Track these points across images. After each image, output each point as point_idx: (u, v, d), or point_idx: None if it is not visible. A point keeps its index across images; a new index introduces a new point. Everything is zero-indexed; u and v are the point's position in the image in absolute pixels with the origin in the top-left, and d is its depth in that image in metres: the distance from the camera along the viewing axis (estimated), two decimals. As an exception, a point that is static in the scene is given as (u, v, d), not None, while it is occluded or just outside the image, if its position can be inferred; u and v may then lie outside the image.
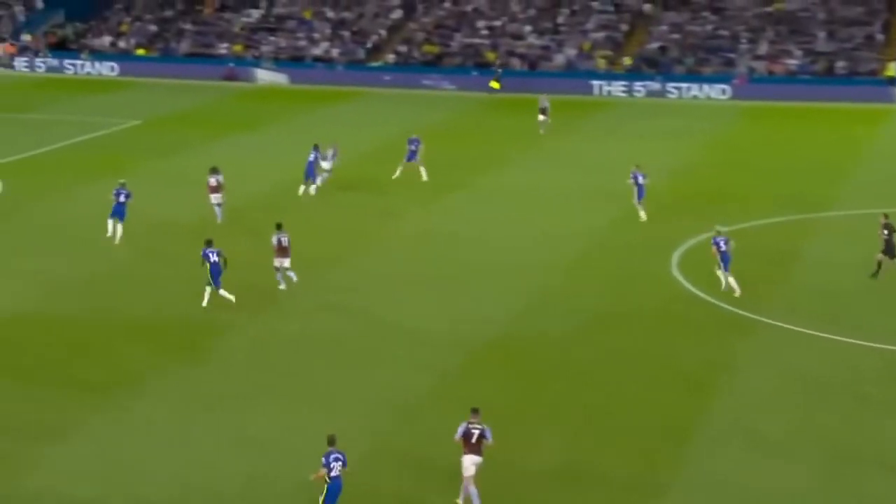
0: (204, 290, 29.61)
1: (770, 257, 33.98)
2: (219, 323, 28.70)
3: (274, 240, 31.33)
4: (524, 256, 34.39)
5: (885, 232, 31.76)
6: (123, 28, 78.64)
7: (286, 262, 31.27)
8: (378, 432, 22.99)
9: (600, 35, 71.38)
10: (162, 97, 65.47)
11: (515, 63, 70.02)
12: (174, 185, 41.48)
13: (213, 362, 26.42)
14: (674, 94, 66.08)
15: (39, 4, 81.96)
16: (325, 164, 42.10)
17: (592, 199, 40.46)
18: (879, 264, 31.80)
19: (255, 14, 78.65)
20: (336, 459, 19.42)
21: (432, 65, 70.87)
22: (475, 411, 20.55)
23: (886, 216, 32.24)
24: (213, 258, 30.13)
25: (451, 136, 53.52)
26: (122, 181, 36.56)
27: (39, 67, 75.16)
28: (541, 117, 52.58)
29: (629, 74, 67.68)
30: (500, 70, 68.15)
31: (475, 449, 20.21)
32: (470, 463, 20.17)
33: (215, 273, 29.85)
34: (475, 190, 43.01)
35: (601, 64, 68.41)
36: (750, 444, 22.70)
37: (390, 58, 71.96)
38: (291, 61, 73.12)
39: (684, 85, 66.14)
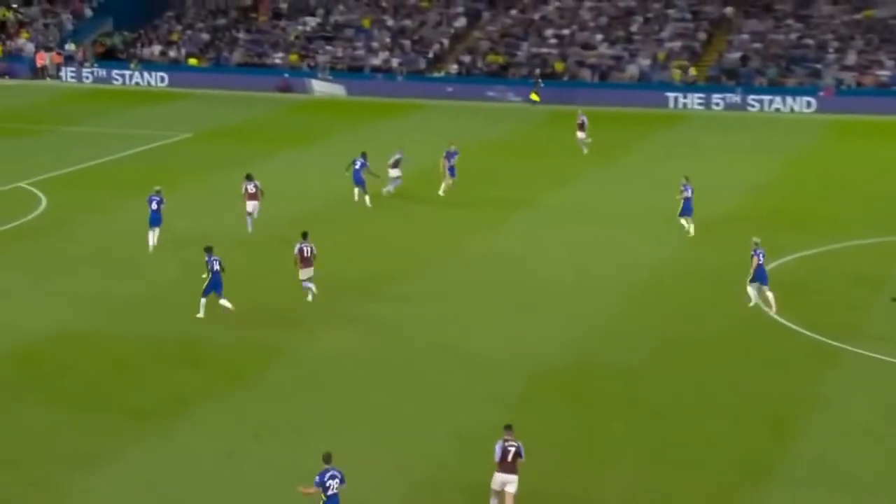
0: (199, 301, 30.46)
1: (858, 281, 33.49)
2: (269, 346, 28.84)
3: (296, 249, 31.88)
4: (591, 279, 34.22)
5: None
6: (174, 37, 79.64)
7: (310, 273, 31.78)
8: (435, 461, 22.92)
9: (676, 44, 71.05)
10: (213, 109, 66.18)
11: (585, 74, 69.87)
12: (226, 202, 41.84)
13: (262, 388, 26.51)
14: (755, 108, 65.56)
15: (87, 13, 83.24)
16: (394, 172, 43.19)
17: (665, 218, 40.11)
18: None
19: (312, 22, 79.27)
20: (332, 477, 19.60)
21: (497, 76, 70.96)
22: (508, 428, 20.75)
23: None
24: (216, 267, 30.72)
25: (516, 151, 53.54)
26: (157, 188, 37.47)
27: (87, 78, 76.32)
28: (580, 134, 51.96)
29: (707, 86, 67.31)
30: (540, 81, 68.12)
31: (510, 468, 20.34)
32: (502, 481, 20.36)
33: (217, 282, 30.49)
34: (540, 208, 42.91)
35: (677, 75, 68.08)
36: (837, 484, 22.30)
37: (453, 68, 72.15)
38: (349, 72, 73.60)
39: (766, 97, 65.62)
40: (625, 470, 22.77)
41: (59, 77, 77.06)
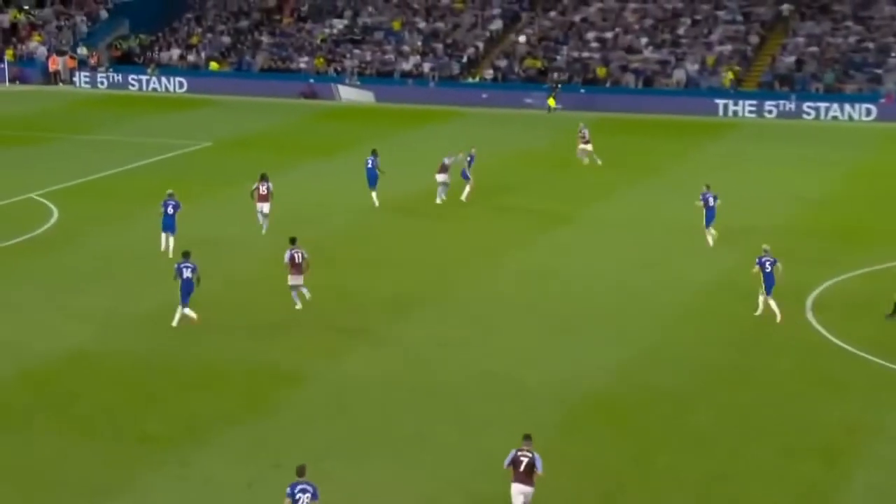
0: (176, 309, 31.07)
1: (922, 303, 33.16)
2: (290, 369, 28.85)
3: (287, 256, 32.49)
4: (635, 298, 34.07)
5: None
6: (194, 40, 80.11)
7: (300, 280, 32.42)
8: (467, 493, 22.83)
9: (726, 48, 70.86)
10: (234, 117, 66.52)
11: (629, 80, 69.78)
12: (247, 215, 41.96)
13: (283, 413, 26.50)
14: (810, 116, 65.29)
15: (103, 14, 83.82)
16: (441, 177, 44.53)
17: (718, 235, 39.90)
18: None
19: (339, 24, 79.56)
20: (303, 491, 19.88)
21: (535, 81, 70.96)
22: (527, 438, 21.19)
23: None
24: (187, 274, 31.01)
25: (555, 162, 53.46)
26: (169, 191, 38.26)
27: (102, 83, 76.87)
28: (583, 146, 51.60)
29: (759, 93, 67.13)
30: (558, 86, 68.11)
31: (523, 478, 20.79)
32: (517, 492, 20.77)
33: (186, 290, 30.95)
34: (581, 222, 42.82)
35: (727, 81, 67.88)
36: (898, 520, 22.08)
37: (488, 73, 72.19)
38: (378, 77, 73.84)
39: (822, 105, 65.34)
40: (670, 504, 22.63)
41: (72, 82, 77.69)
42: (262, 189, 40.17)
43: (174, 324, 31.25)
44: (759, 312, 32.11)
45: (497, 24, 77.17)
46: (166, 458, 24.29)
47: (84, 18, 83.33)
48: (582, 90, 69.11)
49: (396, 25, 78.18)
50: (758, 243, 38.41)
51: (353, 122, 64.08)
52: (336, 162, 49.52)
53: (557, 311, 33.16)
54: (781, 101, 65.70)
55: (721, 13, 74.13)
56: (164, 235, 37.55)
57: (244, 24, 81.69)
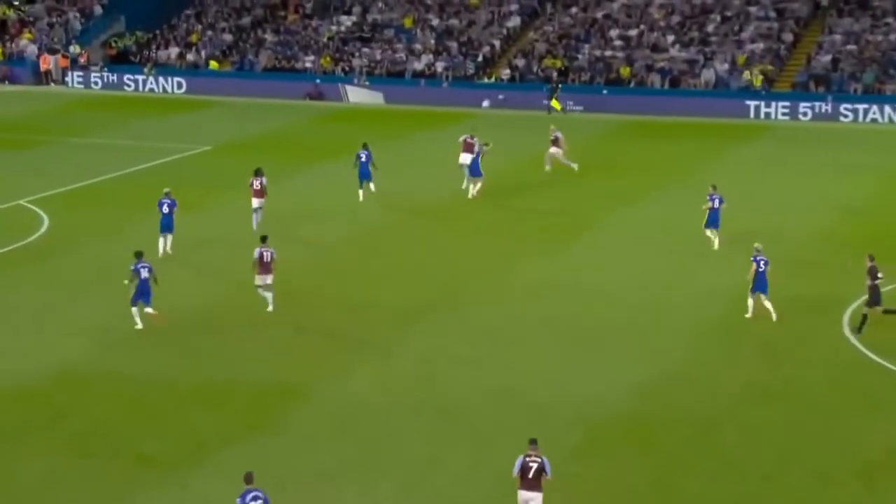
0: (134, 311, 32.04)
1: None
2: (294, 385, 28.98)
3: (256, 254, 33.44)
4: (660, 312, 34.13)
5: (871, 278, 31.87)
6: (193, 38, 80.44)
7: (268, 280, 33.48)
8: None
9: (759, 46, 70.89)
10: (236, 119, 66.74)
11: (654, 80, 69.87)
12: (246, 222, 42.11)
13: (286, 432, 26.62)
14: (848, 118, 65.28)
15: (97, 10, 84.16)
16: (465, 158, 46.01)
17: (746, 244, 39.93)
18: (864, 317, 31.86)
19: (347, 22, 79.80)
20: (255, 499, 20.37)
21: (555, 82, 71.04)
22: (533, 442, 21.90)
23: (872, 258, 32.47)
24: (144, 274, 31.92)
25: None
26: (166, 190, 39.33)
27: (96, 84, 77.22)
28: (553, 150, 51.44)
29: (793, 94, 67.17)
30: (558, 86, 68.22)
31: (532, 484, 21.41)
32: (526, 499, 21.32)
33: (143, 291, 31.88)
34: (603, 230, 42.89)
35: (757, 81, 67.90)
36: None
37: (505, 73, 72.35)
38: (388, 77, 74.01)
39: (861, 106, 65.32)
40: (697, 530, 22.67)
41: (64, 83, 78.02)
42: (256, 184, 41.40)
43: (138, 326, 32.13)
44: (749, 315, 33.03)
45: (514, 21, 77.37)
46: (164, 479, 24.40)
47: (77, 15, 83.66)
48: (604, 91, 69.21)
49: (408, 22, 78.40)
50: (791, 254, 38.63)
51: (362, 125, 64.16)
52: (342, 166, 49.57)
53: (576, 324, 33.23)
54: (817, 103, 65.70)
55: (753, 9, 74.19)
56: (161, 238, 38.13)
57: (246, 21, 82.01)
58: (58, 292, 35.94)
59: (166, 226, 38.35)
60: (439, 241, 41.67)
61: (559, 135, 51.49)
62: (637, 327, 32.99)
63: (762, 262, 33.05)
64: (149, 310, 32.14)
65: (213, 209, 44.89)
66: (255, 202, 41.52)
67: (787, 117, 65.88)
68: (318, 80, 73.98)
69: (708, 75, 69.21)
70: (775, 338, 32.17)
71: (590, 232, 42.70)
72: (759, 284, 32.98)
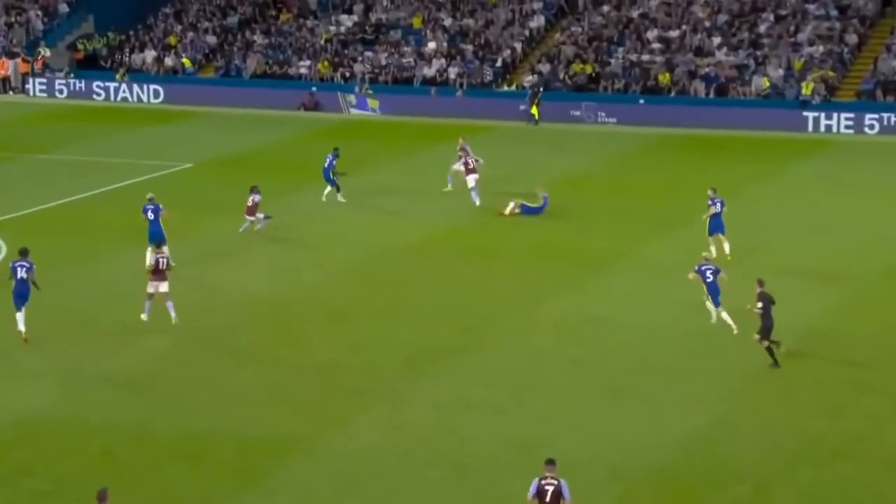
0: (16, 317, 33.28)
1: None
2: (288, 437, 28.98)
3: (151, 260, 35.08)
4: (704, 354, 34.15)
5: (760, 305, 32.81)
6: (172, 40, 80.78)
7: (162, 287, 34.85)
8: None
9: (818, 49, 70.98)
10: (220, 132, 66.93)
11: (698, 88, 69.99)
12: (235, 254, 42.27)
13: (282, 492, 26.64)
14: (920, 131, 65.27)
15: (63, 9, 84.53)
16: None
17: (804, 279, 40.02)
18: (770, 351, 32.92)
19: (347, 21, 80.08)
20: None
21: (584, 90, 71.25)
22: (550, 463, 23.02)
23: (762, 283, 33.45)
24: (21, 274, 32.83)
25: (608, 187, 53.64)
26: (150, 195, 40.78)
27: (60, 92, 77.51)
28: (455, 166, 51.53)
29: (858, 103, 67.15)
30: (539, 90, 68.31)
31: None
32: None
33: (20, 293, 33.03)
34: (638, 260, 42.93)
35: (808, 90, 67.79)
36: None
37: (528, 80, 72.53)
38: (394, 85, 74.19)
39: (936, 118, 65.35)
40: None
41: (25, 90, 78.33)
42: (249, 201, 43.72)
43: (21, 328, 33.54)
44: (713, 321, 35.01)
45: (538, 21, 77.59)
46: (139, 544, 24.50)
47: (39, 13, 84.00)
48: (640, 101, 69.32)
49: (417, 22, 78.67)
50: (855, 287, 38.62)
51: (364, 140, 64.32)
52: (344, 186, 49.73)
53: (610, 366, 33.26)
54: (885, 114, 65.71)
55: (811, 7, 74.29)
56: (148, 251, 38.27)
57: (233, 20, 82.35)
58: (15, 330, 35.99)
59: (154, 234, 39.31)
60: (453, 270, 41.74)
61: (469, 148, 51.28)
62: (678, 370, 33.00)
63: (709, 272, 35.11)
64: (19, 315, 33.48)
65: (196, 234, 44.98)
66: (249, 220, 44.41)
67: (850, 130, 65.86)
68: (314, 89, 74.21)
69: (759, 82, 69.32)
70: (836, 383, 32.14)
71: (625, 261, 42.71)
72: (712, 295, 35.08)
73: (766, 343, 32.89)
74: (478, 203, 48.43)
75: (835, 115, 66.38)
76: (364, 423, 29.90)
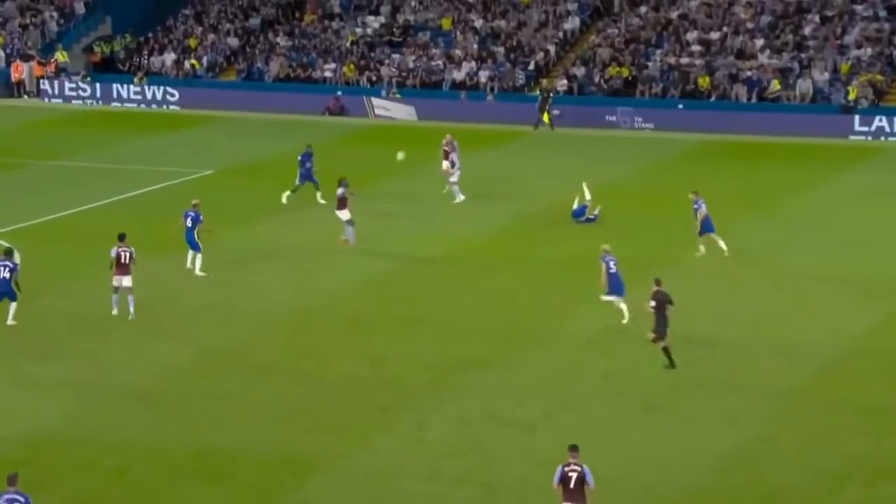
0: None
1: None
2: (308, 455, 29.05)
3: (113, 253, 36.56)
4: (744, 368, 34.09)
5: (653, 303, 33.78)
6: (192, 42, 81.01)
7: (126, 282, 37.03)
8: None
9: (866, 52, 70.79)
10: (242, 138, 67.04)
11: (740, 92, 69.89)
12: (258, 263, 42.40)
13: (301, 511, 26.77)
14: (977, 137, 65.02)
15: (79, 10, 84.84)
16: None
17: (848, 292, 39.92)
18: (666, 351, 33.71)
19: (374, 23, 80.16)
20: (12, 502, 22.02)
21: (621, 94, 71.22)
22: (573, 449, 23.75)
23: (659, 282, 34.51)
24: (3, 273, 34.88)
25: (643, 196, 53.50)
26: (194, 201, 41.92)
27: (76, 96, 77.73)
28: (445, 164, 51.96)
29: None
30: (550, 95, 68.17)
31: (574, 496, 23.22)
32: None
33: (4, 291, 34.91)
34: (676, 271, 42.76)
35: (853, 94, 67.57)
36: None
37: (562, 84, 72.53)
38: (422, 89, 74.28)
39: None
40: None
41: (39, 94, 78.62)
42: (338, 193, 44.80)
43: (10, 322, 35.32)
44: (625, 321, 36.21)
45: (573, 23, 77.56)
46: (153, 565, 24.58)
47: (55, 15, 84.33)
48: (680, 105, 69.24)
49: (446, 24, 78.74)
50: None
51: (391, 145, 64.19)
52: (367, 194, 49.75)
53: (641, 382, 33.23)
54: (938, 120, 65.59)
55: (859, 7, 74.07)
56: (190, 254, 40.97)
57: (255, 22, 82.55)
58: (28, 345, 36.13)
59: (188, 241, 40.90)
60: (479, 280, 41.73)
61: (456, 143, 51.70)
62: (717, 386, 32.94)
63: (612, 263, 36.38)
64: (12, 308, 35.01)
65: (217, 245, 45.06)
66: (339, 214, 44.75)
67: (901, 137, 65.71)
68: (339, 92, 74.33)
69: (804, 86, 69.14)
70: (884, 399, 32.04)
71: (659, 271, 42.57)
72: (615, 287, 36.38)
73: (661, 343, 33.55)
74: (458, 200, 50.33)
75: (884, 120, 66.10)
76: (388, 440, 29.94)
